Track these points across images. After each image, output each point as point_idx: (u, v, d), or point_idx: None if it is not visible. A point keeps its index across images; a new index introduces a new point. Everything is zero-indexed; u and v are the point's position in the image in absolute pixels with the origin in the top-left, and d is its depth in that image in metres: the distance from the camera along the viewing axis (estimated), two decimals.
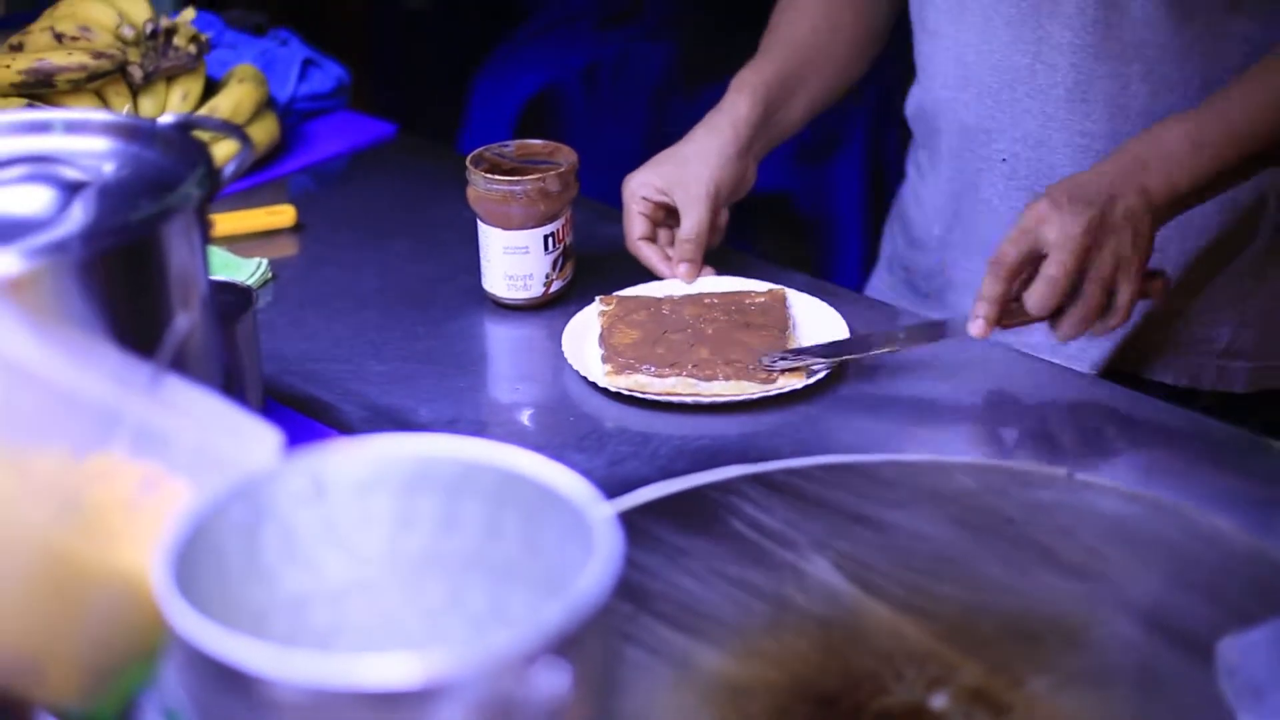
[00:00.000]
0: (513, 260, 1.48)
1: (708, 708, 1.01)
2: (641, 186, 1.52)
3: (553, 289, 1.50)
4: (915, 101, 1.69)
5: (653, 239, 1.53)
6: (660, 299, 1.46)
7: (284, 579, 0.86)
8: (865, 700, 1.00)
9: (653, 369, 1.36)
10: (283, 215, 1.70)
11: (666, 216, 1.53)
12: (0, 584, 0.86)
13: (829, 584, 1.10)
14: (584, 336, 1.43)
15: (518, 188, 1.46)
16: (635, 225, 1.52)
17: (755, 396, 1.34)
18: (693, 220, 1.50)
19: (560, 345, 1.41)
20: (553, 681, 0.72)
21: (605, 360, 1.38)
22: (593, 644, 0.75)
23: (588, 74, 3.03)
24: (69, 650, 0.87)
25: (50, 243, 1.01)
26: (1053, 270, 1.32)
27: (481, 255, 1.51)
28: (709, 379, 1.35)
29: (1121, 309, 1.34)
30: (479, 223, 1.50)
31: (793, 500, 1.18)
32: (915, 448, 1.27)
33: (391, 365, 1.43)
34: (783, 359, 1.37)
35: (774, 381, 1.35)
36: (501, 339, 1.48)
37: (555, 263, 1.49)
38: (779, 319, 1.43)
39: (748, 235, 2.34)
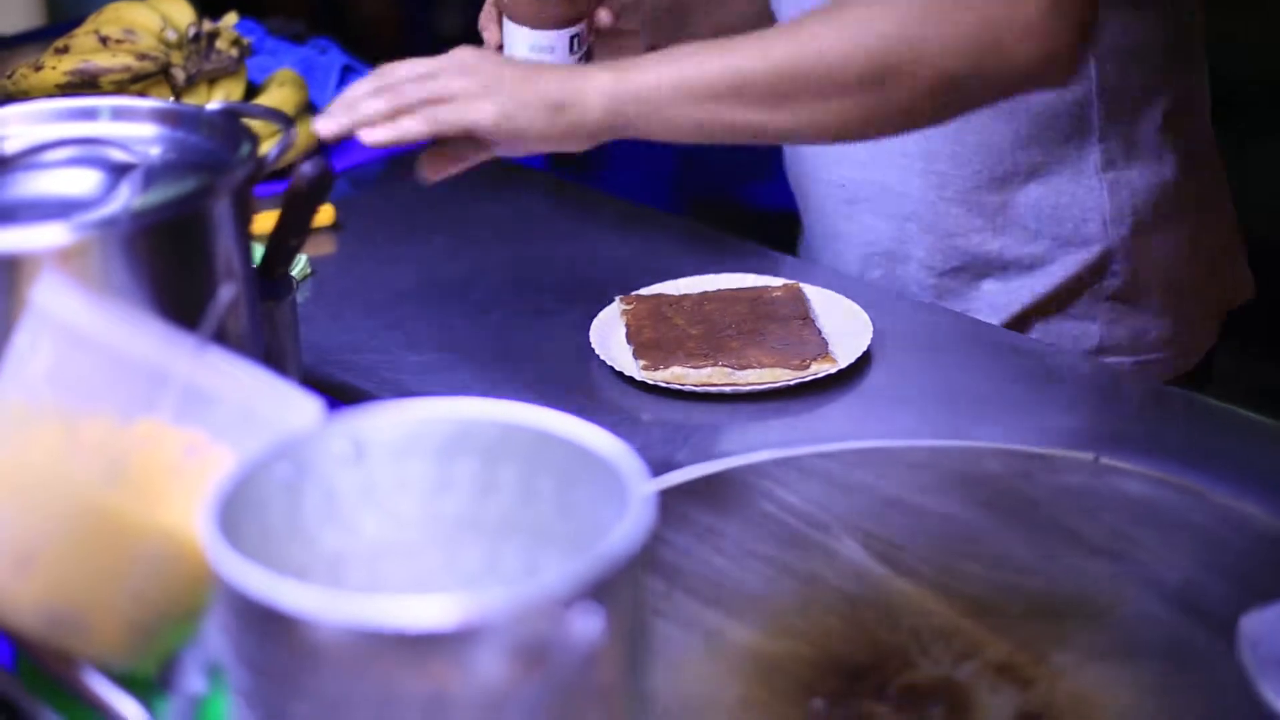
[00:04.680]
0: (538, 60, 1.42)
1: (738, 679, 1.02)
2: None
3: None
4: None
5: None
6: (679, 296, 1.48)
7: (323, 539, 0.88)
8: (892, 674, 1.02)
9: (688, 361, 1.38)
10: (321, 214, 1.72)
11: None
12: (48, 541, 0.88)
13: (858, 563, 1.12)
14: (609, 334, 1.44)
15: None
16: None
17: (791, 383, 1.36)
18: None
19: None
20: (588, 626, 0.74)
21: (638, 356, 1.40)
22: (626, 592, 0.77)
23: None
24: (114, 606, 0.89)
25: (100, 218, 1.04)
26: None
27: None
28: (743, 368, 1.37)
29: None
30: (505, 22, 1.45)
31: (823, 483, 1.20)
32: (944, 434, 1.28)
33: (427, 356, 1.45)
34: None
35: (807, 368, 1.36)
36: (535, 332, 1.50)
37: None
38: (800, 310, 1.45)
39: None
